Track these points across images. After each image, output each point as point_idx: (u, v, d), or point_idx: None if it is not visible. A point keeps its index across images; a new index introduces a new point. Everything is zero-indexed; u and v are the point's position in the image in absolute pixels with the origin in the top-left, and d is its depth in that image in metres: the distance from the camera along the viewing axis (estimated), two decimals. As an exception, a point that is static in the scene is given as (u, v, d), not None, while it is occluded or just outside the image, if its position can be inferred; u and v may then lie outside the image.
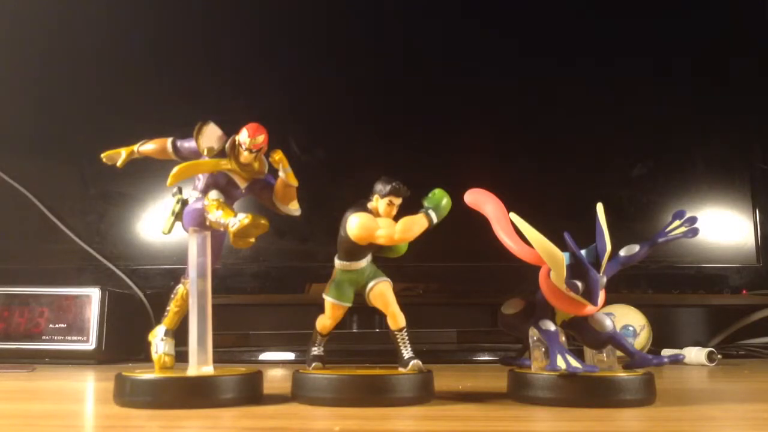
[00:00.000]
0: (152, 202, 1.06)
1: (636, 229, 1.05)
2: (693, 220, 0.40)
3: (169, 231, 0.47)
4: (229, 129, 0.48)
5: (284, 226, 1.07)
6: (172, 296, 0.49)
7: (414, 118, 1.06)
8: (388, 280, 0.47)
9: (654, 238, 0.41)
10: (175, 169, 0.44)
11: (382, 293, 0.47)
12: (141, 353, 1.00)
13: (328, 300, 0.48)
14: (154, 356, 0.48)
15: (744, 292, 1.05)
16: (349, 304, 0.48)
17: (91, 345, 0.90)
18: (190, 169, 0.45)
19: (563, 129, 1.08)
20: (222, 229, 0.43)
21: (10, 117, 1.08)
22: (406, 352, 0.45)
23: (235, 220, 0.41)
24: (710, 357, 0.82)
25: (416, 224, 0.45)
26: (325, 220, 1.03)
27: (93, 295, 0.92)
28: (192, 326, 0.45)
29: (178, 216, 0.47)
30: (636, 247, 0.41)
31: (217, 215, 0.43)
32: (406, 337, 0.46)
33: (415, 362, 0.45)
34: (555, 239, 0.41)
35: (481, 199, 0.43)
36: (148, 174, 1.06)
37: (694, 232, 0.40)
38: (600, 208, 0.39)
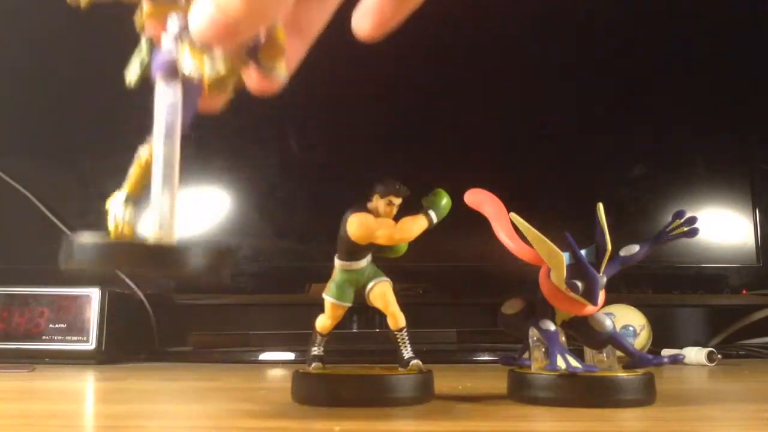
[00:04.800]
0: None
1: (636, 229, 1.05)
2: (693, 220, 0.40)
3: (136, 84, 0.40)
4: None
5: (284, 226, 1.07)
6: (135, 158, 0.42)
7: (415, 118, 1.06)
8: (388, 280, 0.47)
9: (654, 239, 0.41)
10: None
11: (383, 293, 0.47)
12: (141, 353, 1.00)
13: (328, 300, 0.48)
14: (111, 225, 0.41)
15: (744, 292, 1.04)
16: (349, 304, 0.48)
17: (91, 345, 0.90)
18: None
19: (563, 129, 1.08)
20: (196, 78, 0.36)
21: (10, 117, 1.08)
22: (406, 352, 0.45)
23: (212, 67, 0.37)
24: (710, 357, 0.82)
25: (416, 224, 0.45)
26: (325, 220, 1.03)
27: (93, 295, 0.92)
28: (155, 196, 0.40)
29: (147, 65, 0.39)
30: (636, 247, 0.41)
31: (191, 61, 0.36)
32: (406, 337, 0.46)
33: (415, 362, 0.45)
34: (555, 239, 0.41)
35: (481, 199, 0.43)
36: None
37: (694, 232, 0.40)
38: (600, 208, 0.39)
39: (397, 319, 0.46)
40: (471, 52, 1.09)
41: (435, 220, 0.44)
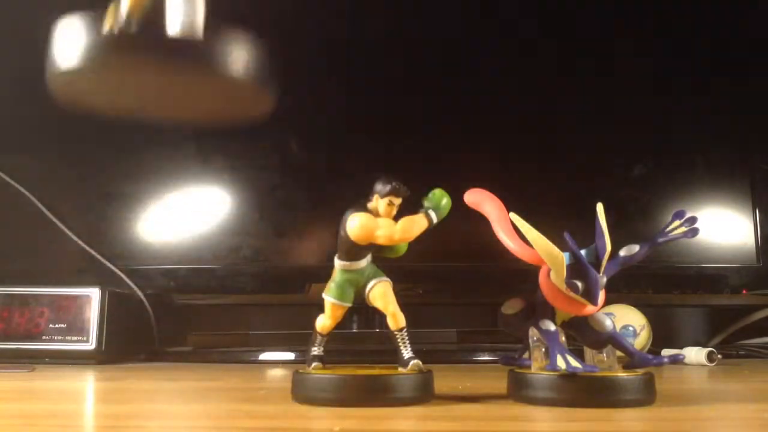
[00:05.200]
0: (152, 201, 1.06)
1: (636, 229, 1.05)
2: (693, 220, 0.40)
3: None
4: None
5: (284, 225, 1.07)
6: None
7: (415, 118, 1.06)
8: (388, 280, 0.47)
9: (654, 239, 0.41)
10: None
11: (383, 293, 0.47)
12: (141, 353, 1.00)
13: (329, 300, 0.48)
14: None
15: (744, 292, 1.05)
16: (349, 304, 0.48)
17: (91, 345, 0.90)
18: None
19: (563, 129, 1.08)
20: None
21: (10, 116, 1.09)
22: (406, 352, 0.45)
23: None
24: (710, 357, 0.82)
25: (416, 224, 0.45)
26: (324, 220, 1.03)
27: (93, 295, 0.92)
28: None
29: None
30: (636, 247, 0.41)
31: None
32: (406, 337, 0.46)
33: (415, 362, 0.45)
34: (555, 239, 0.41)
35: (480, 199, 0.43)
36: (149, 173, 1.06)
37: (694, 232, 0.40)
38: (600, 208, 0.39)
39: (397, 319, 0.46)
40: (472, 52, 1.09)
41: (435, 220, 0.44)
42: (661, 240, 0.40)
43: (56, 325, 0.91)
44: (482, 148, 1.05)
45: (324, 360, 0.48)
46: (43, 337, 0.91)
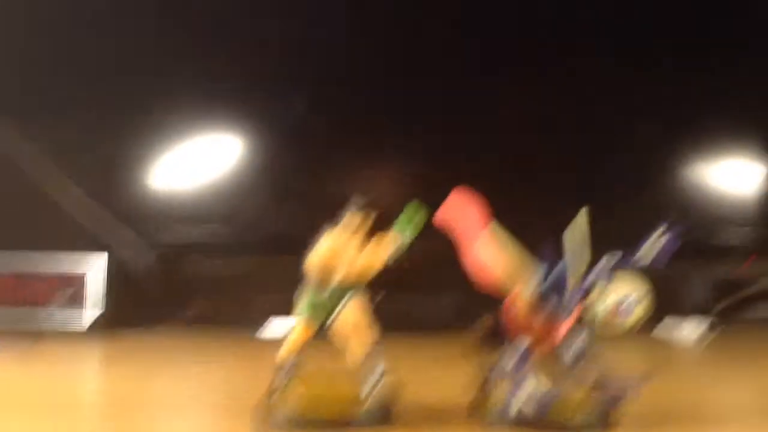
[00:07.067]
0: (160, 164, 1.07)
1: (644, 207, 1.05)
2: (676, 230, 0.40)
3: None
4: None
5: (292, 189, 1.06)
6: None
7: (413, 104, 1.06)
8: (356, 306, 0.47)
9: (635, 249, 0.41)
10: None
11: (347, 322, 0.46)
12: (147, 319, 1.02)
13: (298, 320, 0.47)
14: None
15: (751, 258, 1.05)
16: (319, 326, 0.47)
17: (97, 310, 0.91)
18: None
19: (560, 123, 1.08)
20: None
21: (20, 78, 1.08)
22: (366, 388, 0.44)
23: None
24: (712, 327, 0.83)
25: (376, 260, 0.44)
26: (325, 186, 1.03)
27: (99, 260, 0.92)
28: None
29: None
30: (617, 258, 0.41)
31: None
32: (369, 372, 0.44)
33: (374, 402, 0.43)
34: (538, 245, 0.41)
35: (451, 222, 0.43)
36: (154, 132, 1.07)
37: (676, 244, 0.40)
38: (583, 214, 0.39)
39: (355, 353, 0.45)
40: (470, 50, 1.08)
41: (407, 239, 0.44)
42: (643, 248, 0.40)
43: (62, 291, 0.92)
44: (475, 147, 1.04)
45: (294, 381, 0.47)
46: (48, 304, 0.92)
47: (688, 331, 0.77)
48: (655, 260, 0.40)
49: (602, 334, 0.48)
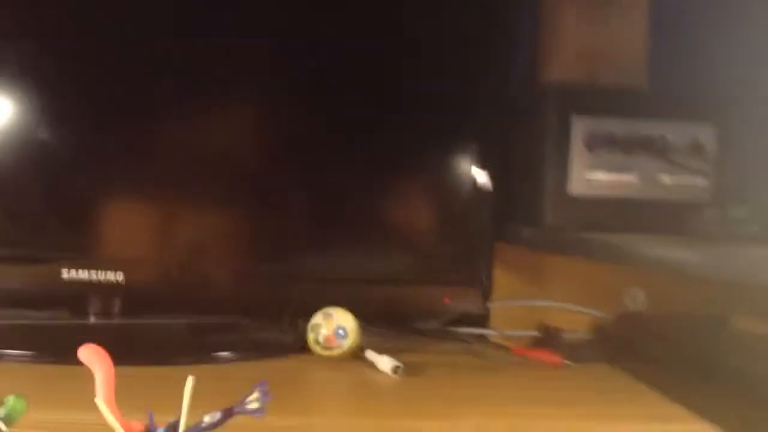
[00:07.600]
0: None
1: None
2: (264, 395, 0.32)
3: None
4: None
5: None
6: None
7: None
8: None
9: (232, 409, 0.32)
10: None
11: None
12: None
13: None
14: None
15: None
16: None
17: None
18: None
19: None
20: None
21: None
22: None
23: None
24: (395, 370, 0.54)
25: None
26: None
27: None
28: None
29: None
30: (218, 415, 0.33)
31: None
32: None
33: None
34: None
35: (92, 359, 0.33)
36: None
37: (261, 410, 0.32)
38: (189, 382, 0.30)
39: None
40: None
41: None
42: (238, 411, 0.33)
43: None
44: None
45: None
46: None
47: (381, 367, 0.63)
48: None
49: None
